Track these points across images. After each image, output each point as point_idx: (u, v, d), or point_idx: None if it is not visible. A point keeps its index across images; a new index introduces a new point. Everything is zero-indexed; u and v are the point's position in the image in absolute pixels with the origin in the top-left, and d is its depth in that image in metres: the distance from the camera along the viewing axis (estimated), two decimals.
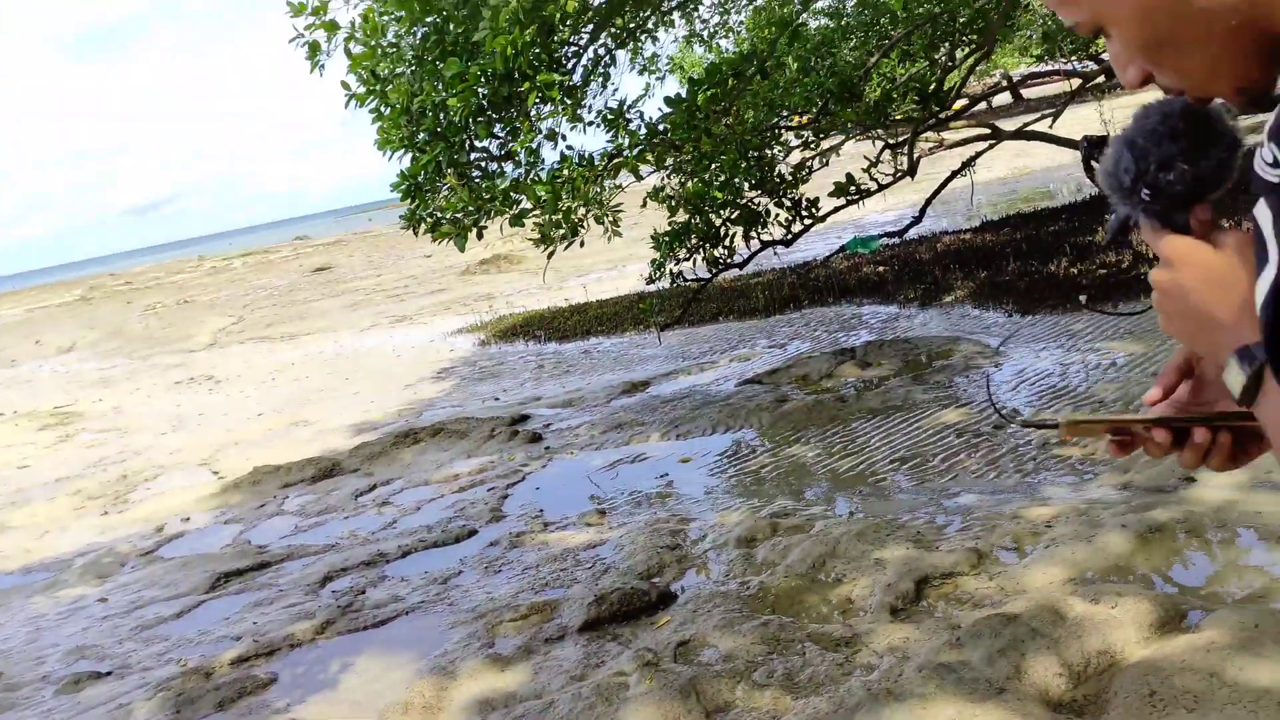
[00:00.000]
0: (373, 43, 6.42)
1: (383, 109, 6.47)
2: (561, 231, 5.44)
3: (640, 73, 9.46)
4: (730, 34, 12.02)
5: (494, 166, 6.12)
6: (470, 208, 5.37)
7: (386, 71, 6.27)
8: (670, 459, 6.32)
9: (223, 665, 4.29)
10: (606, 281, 16.15)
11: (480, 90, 5.26)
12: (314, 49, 6.49)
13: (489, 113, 5.48)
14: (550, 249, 5.64)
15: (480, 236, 5.51)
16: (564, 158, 5.51)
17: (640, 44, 7.61)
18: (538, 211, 5.37)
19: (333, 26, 6.37)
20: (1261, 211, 0.74)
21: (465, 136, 5.77)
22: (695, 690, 3.29)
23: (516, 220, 5.17)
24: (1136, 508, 4.05)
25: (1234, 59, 0.78)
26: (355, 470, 7.49)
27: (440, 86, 5.61)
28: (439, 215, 6.19)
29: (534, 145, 5.27)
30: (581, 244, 6.47)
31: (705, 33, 10.84)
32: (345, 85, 6.53)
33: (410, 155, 6.20)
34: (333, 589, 5.18)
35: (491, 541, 5.44)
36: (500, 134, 5.61)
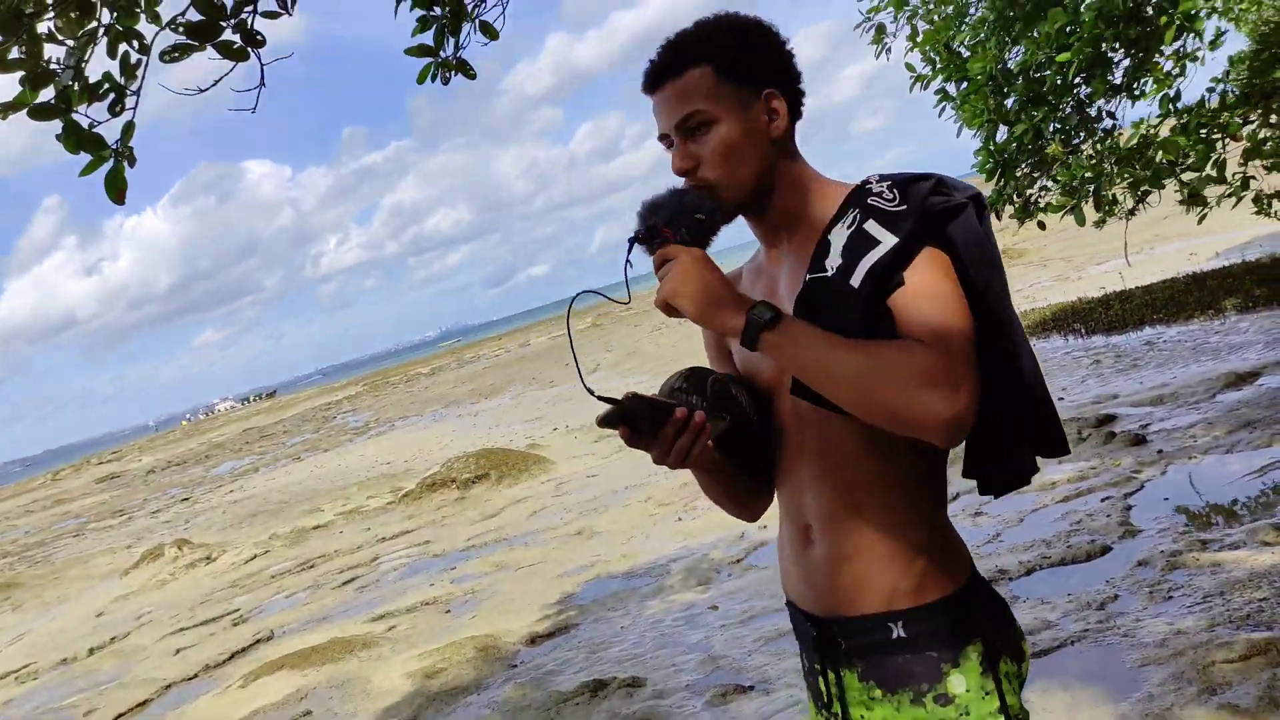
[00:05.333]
0: (941, 15, 5.94)
1: (949, 87, 5.97)
2: (1227, 190, 4.51)
3: None
4: None
5: (1098, 126, 5.34)
6: (1088, 174, 4.65)
7: (963, 44, 5.74)
8: None
9: None
10: (1135, 267, 14.35)
11: (1099, 37, 4.53)
12: (880, 32, 6.16)
13: (1106, 64, 4.72)
14: (1204, 212, 4.73)
15: (1100, 208, 4.77)
16: (1201, 101, 4.60)
17: None
18: (1178, 169, 4.51)
19: (901, 4, 6.00)
20: (871, 227, 1.37)
21: (1068, 99, 5.06)
22: None
23: (1154, 182, 4.37)
24: None
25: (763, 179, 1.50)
26: None
27: (1038, 46, 4.94)
28: (1030, 195, 5.54)
29: (1171, 91, 4.44)
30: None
31: None
32: (910, 67, 6.12)
33: (994, 130, 5.62)
34: None
35: (1139, 561, 4.64)
36: (1115, 85, 4.83)
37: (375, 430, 26.40)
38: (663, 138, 1.52)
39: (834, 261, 1.39)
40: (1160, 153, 4.47)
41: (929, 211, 1.36)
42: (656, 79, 1.51)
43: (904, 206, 1.37)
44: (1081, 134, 5.15)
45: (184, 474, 30.88)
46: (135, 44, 2.62)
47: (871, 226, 1.38)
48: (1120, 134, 4.95)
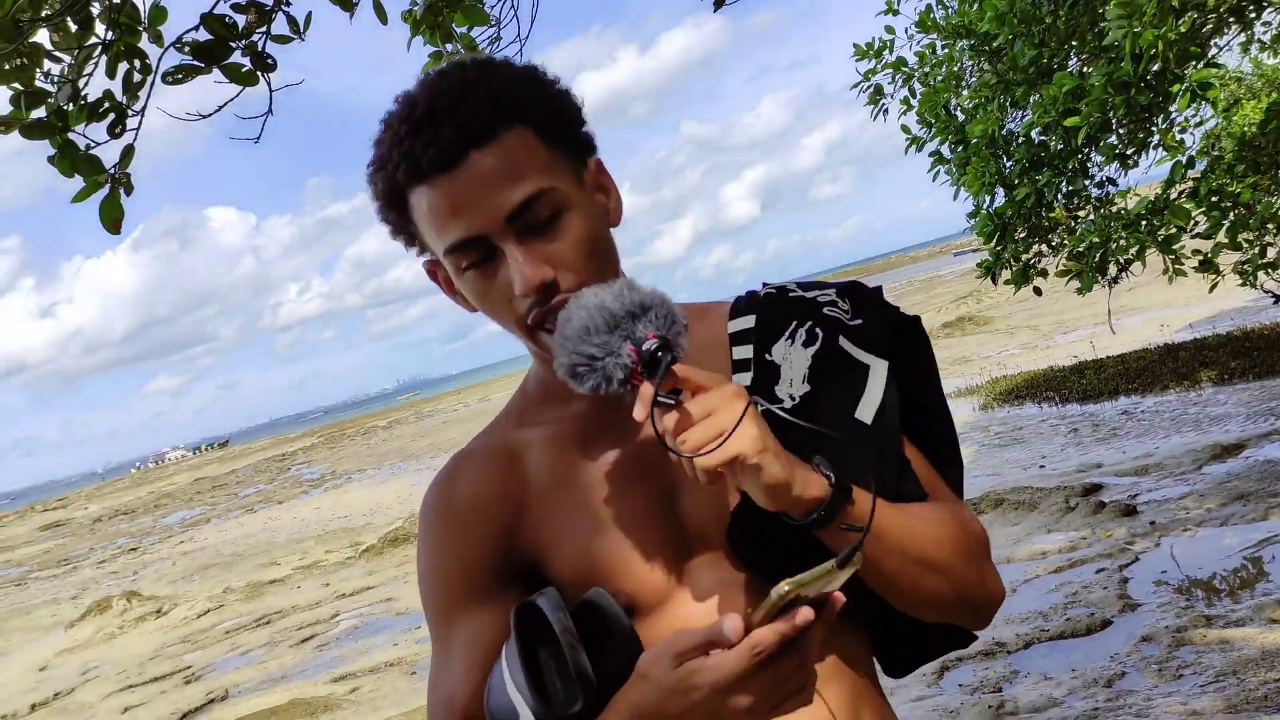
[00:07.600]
0: (939, 77, 5.94)
1: (944, 150, 5.95)
2: (1243, 257, 4.48)
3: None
4: None
5: (1098, 193, 5.34)
6: (1095, 239, 4.60)
7: (963, 106, 5.74)
8: None
9: None
10: (1102, 337, 14.47)
11: (1106, 102, 4.52)
12: (877, 93, 6.15)
13: (1112, 130, 4.71)
14: (1216, 280, 4.70)
15: (1104, 273, 4.73)
16: (1212, 164, 4.58)
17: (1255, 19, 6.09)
18: (1186, 237, 4.48)
19: (900, 65, 5.99)
20: (849, 346, 1.04)
21: (1074, 162, 5.04)
22: None
23: (1165, 247, 4.32)
24: None
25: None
26: None
27: (1045, 109, 4.93)
28: (1026, 259, 5.52)
29: (1183, 159, 4.42)
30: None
31: None
32: (906, 129, 6.11)
33: (992, 193, 5.60)
34: (955, 681, 4.54)
35: (1143, 636, 4.51)
36: (1123, 152, 4.82)
37: (332, 483, 25.88)
38: (466, 245, 0.97)
39: (793, 390, 1.03)
40: (1171, 219, 4.44)
41: (892, 325, 1.09)
42: (453, 151, 0.94)
43: (861, 320, 1.07)
44: (1078, 200, 5.13)
45: (133, 523, 30.03)
46: (138, 63, 2.46)
47: (849, 346, 1.04)
48: (1121, 198, 4.94)
